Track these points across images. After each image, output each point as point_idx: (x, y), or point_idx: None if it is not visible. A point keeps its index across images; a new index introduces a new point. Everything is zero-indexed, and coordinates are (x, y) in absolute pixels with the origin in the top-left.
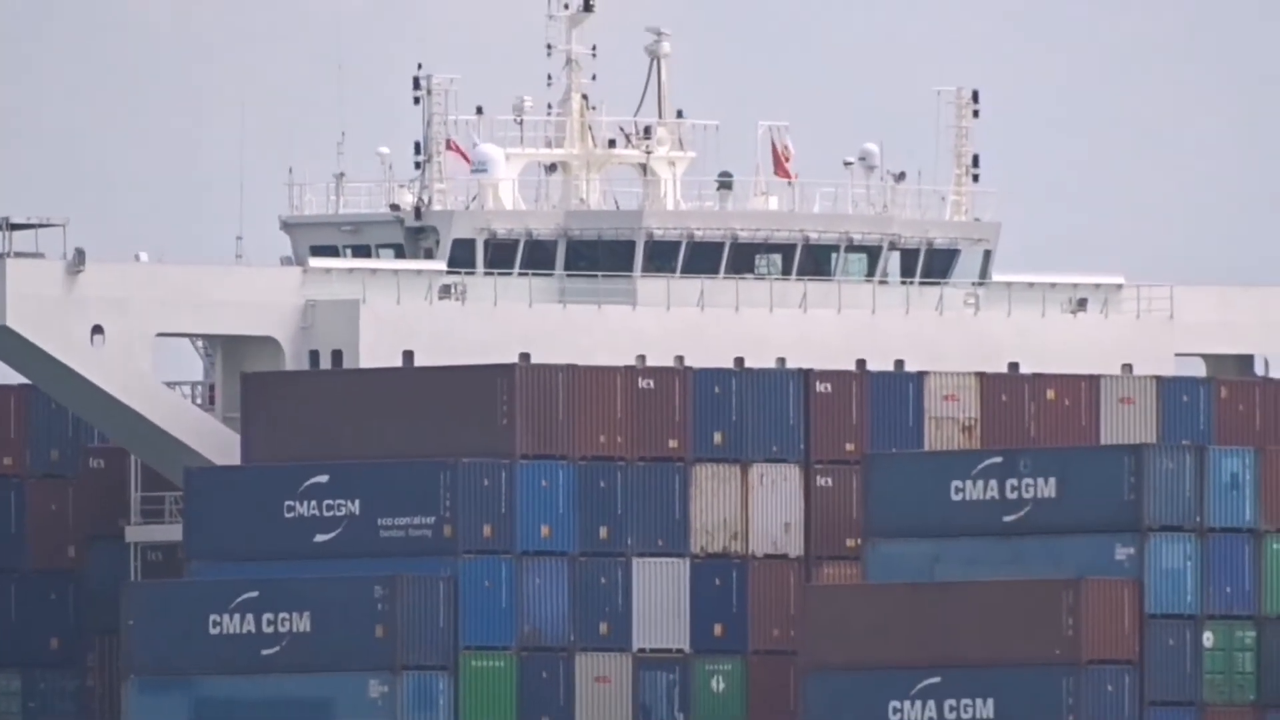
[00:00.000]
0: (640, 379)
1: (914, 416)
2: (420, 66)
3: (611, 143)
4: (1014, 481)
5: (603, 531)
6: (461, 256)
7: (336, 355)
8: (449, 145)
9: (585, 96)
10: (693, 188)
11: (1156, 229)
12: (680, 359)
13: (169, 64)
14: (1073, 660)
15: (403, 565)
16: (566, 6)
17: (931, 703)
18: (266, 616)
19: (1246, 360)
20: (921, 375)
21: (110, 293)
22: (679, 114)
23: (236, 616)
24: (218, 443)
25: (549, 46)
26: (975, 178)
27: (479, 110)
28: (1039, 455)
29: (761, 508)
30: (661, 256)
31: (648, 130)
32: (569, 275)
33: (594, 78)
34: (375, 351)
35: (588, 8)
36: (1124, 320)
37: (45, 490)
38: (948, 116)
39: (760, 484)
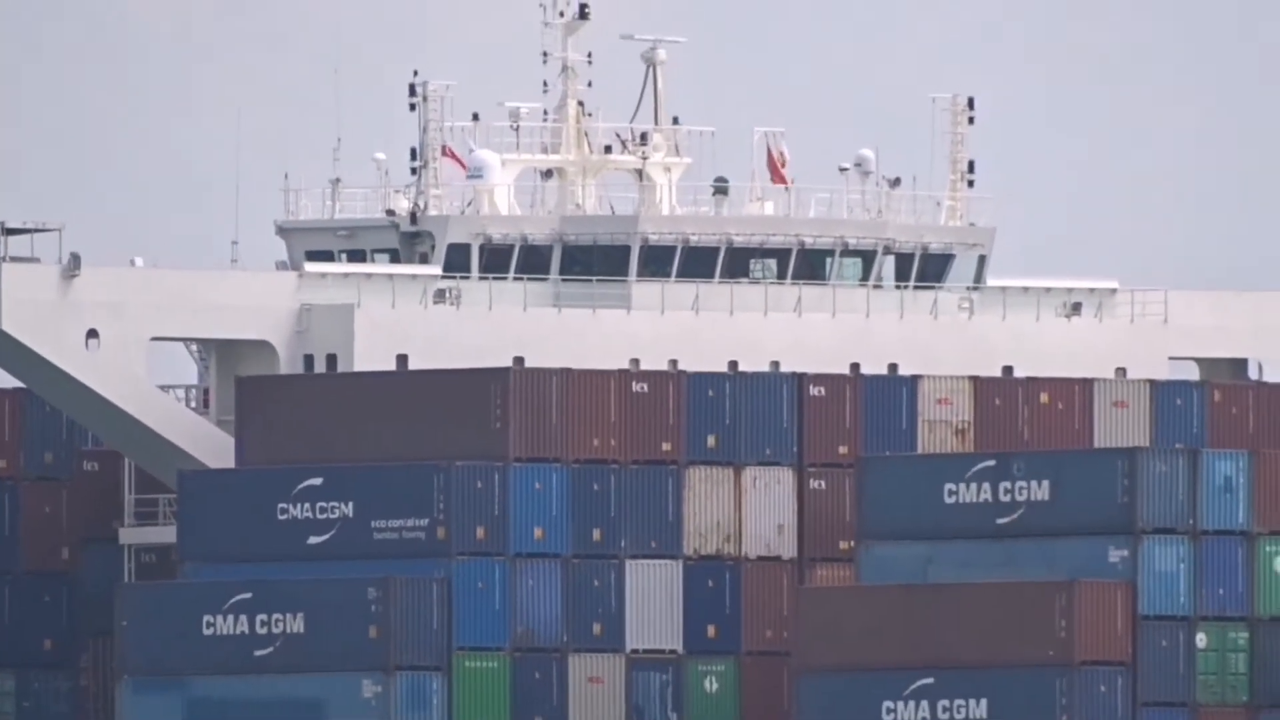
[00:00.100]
0: (634, 382)
1: (907, 420)
2: (416, 73)
3: (607, 148)
4: (1007, 484)
5: (596, 534)
6: (456, 261)
7: (331, 359)
8: (445, 151)
9: (581, 103)
10: (688, 193)
11: (1151, 234)
12: (674, 363)
13: (165, 68)
14: (1066, 661)
15: (396, 567)
16: (562, 14)
17: (925, 703)
18: (260, 617)
19: (1240, 364)
20: (915, 379)
21: (105, 297)
22: (675, 120)
23: (230, 617)
24: (212, 446)
25: (545, 53)
26: (970, 183)
27: (475, 116)
28: (1032, 458)
29: (754, 510)
30: (656, 261)
31: (644, 136)
32: (564, 280)
33: (590, 84)
34: (370, 355)
35: (583, 15)
36: (1118, 324)
37: (39, 492)
38: (943, 122)
39: (753, 487)
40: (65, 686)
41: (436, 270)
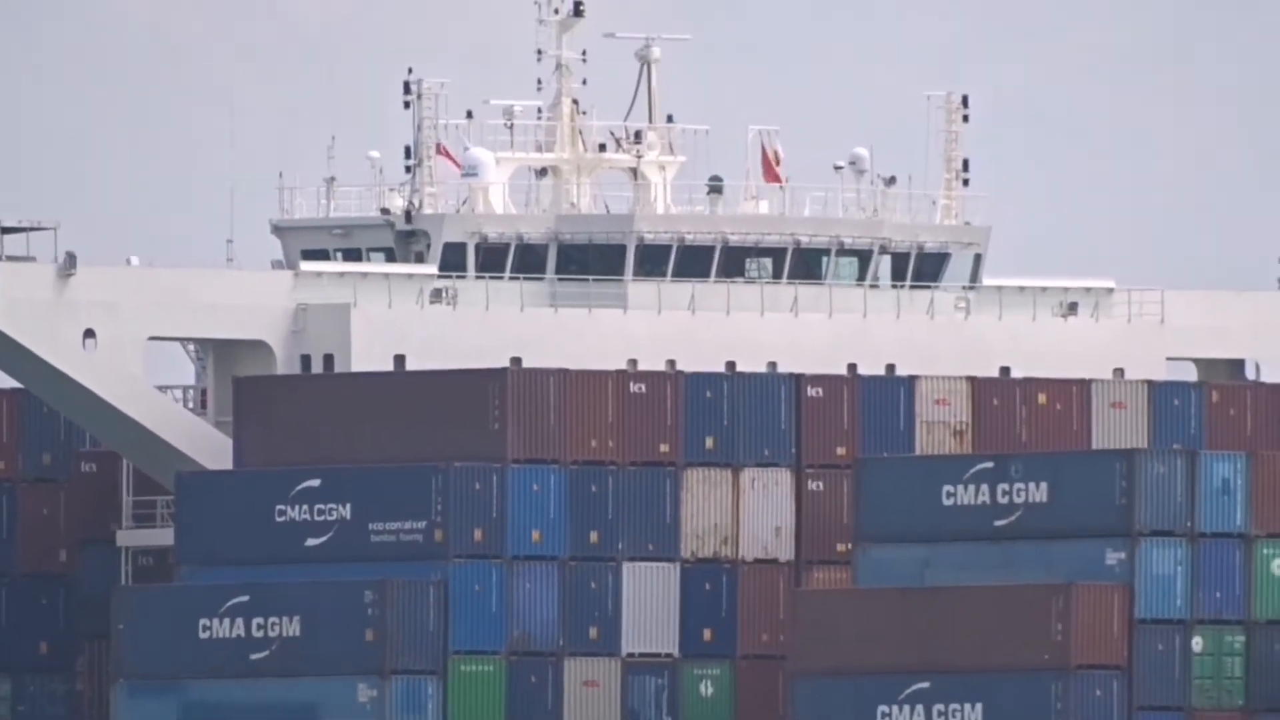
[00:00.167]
0: (631, 383)
1: (905, 421)
2: (411, 71)
3: (602, 147)
4: (1005, 486)
5: (593, 536)
6: (452, 260)
7: (328, 359)
8: (439, 149)
9: (576, 101)
10: (683, 192)
11: (1147, 233)
12: (671, 363)
13: (160, 67)
14: (1062, 665)
15: (393, 570)
16: (557, 11)
17: (920, 707)
18: (256, 621)
19: (1237, 365)
20: (912, 379)
21: (101, 296)
22: (669, 118)
23: (226, 621)
24: (209, 447)
25: (539, 51)
26: (966, 182)
27: (469, 114)
28: (1030, 460)
29: (752, 512)
30: (652, 260)
31: (638, 135)
32: (560, 279)
33: (584, 82)
34: (366, 355)
35: (578, 12)
36: (1115, 324)
37: (36, 494)
38: (938, 121)
39: (751, 488)
40: (61, 690)
41: (432, 269)
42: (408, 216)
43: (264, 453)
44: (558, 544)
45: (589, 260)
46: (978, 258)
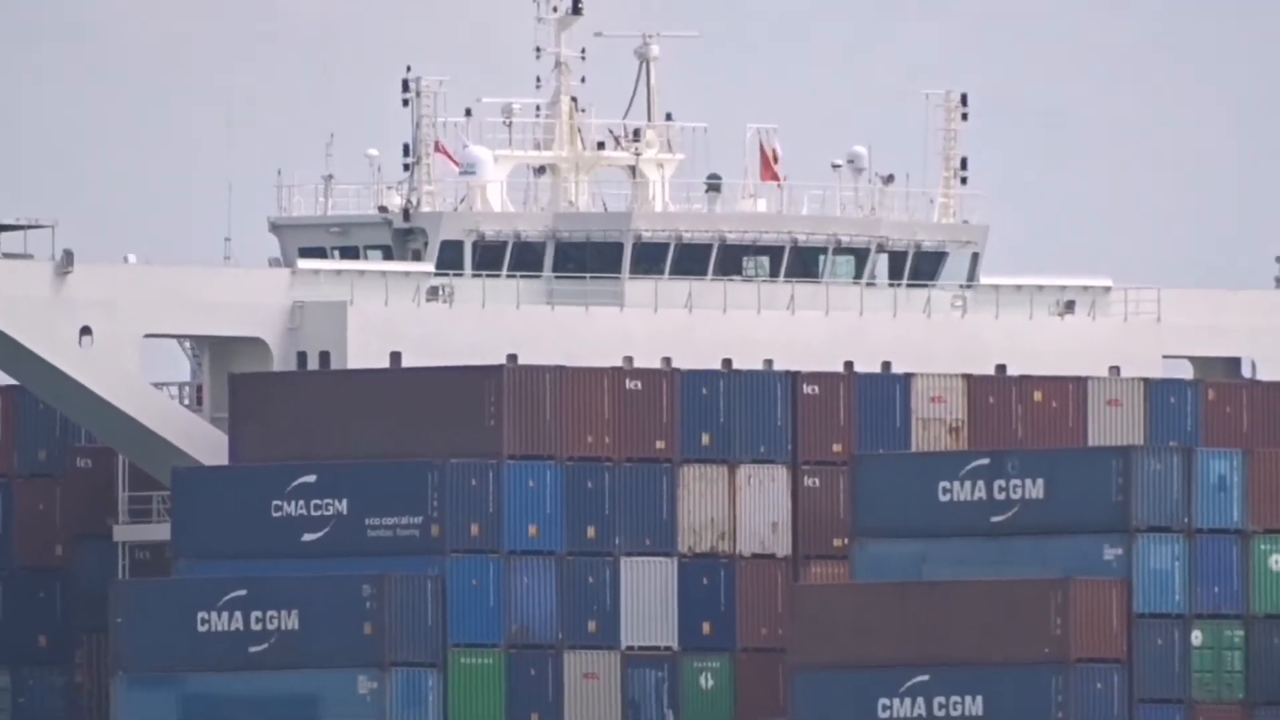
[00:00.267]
0: (628, 380)
1: (901, 418)
2: (409, 68)
3: (600, 145)
4: (1002, 483)
5: (590, 531)
6: (450, 258)
7: (324, 356)
8: (437, 147)
9: (574, 99)
10: (681, 190)
11: (1144, 232)
12: (668, 360)
13: (157, 65)
14: (1061, 659)
15: (390, 565)
16: (555, 9)
17: (921, 700)
18: (255, 614)
19: (1234, 363)
20: (909, 377)
21: (98, 294)
22: (668, 116)
23: (224, 614)
24: (206, 443)
25: (538, 49)
26: (963, 180)
27: (468, 112)
28: (1027, 456)
29: (749, 508)
30: (649, 258)
31: (636, 133)
32: (557, 277)
33: (583, 80)
34: (363, 353)
35: (577, 10)
36: (1111, 323)
37: (33, 490)
38: (936, 119)
39: (747, 484)
40: (60, 683)
41: (430, 267)
42: (405, 214)
43: (260, 449)
44: (554, 539)
45: (586, 258)
46: (975, 256)
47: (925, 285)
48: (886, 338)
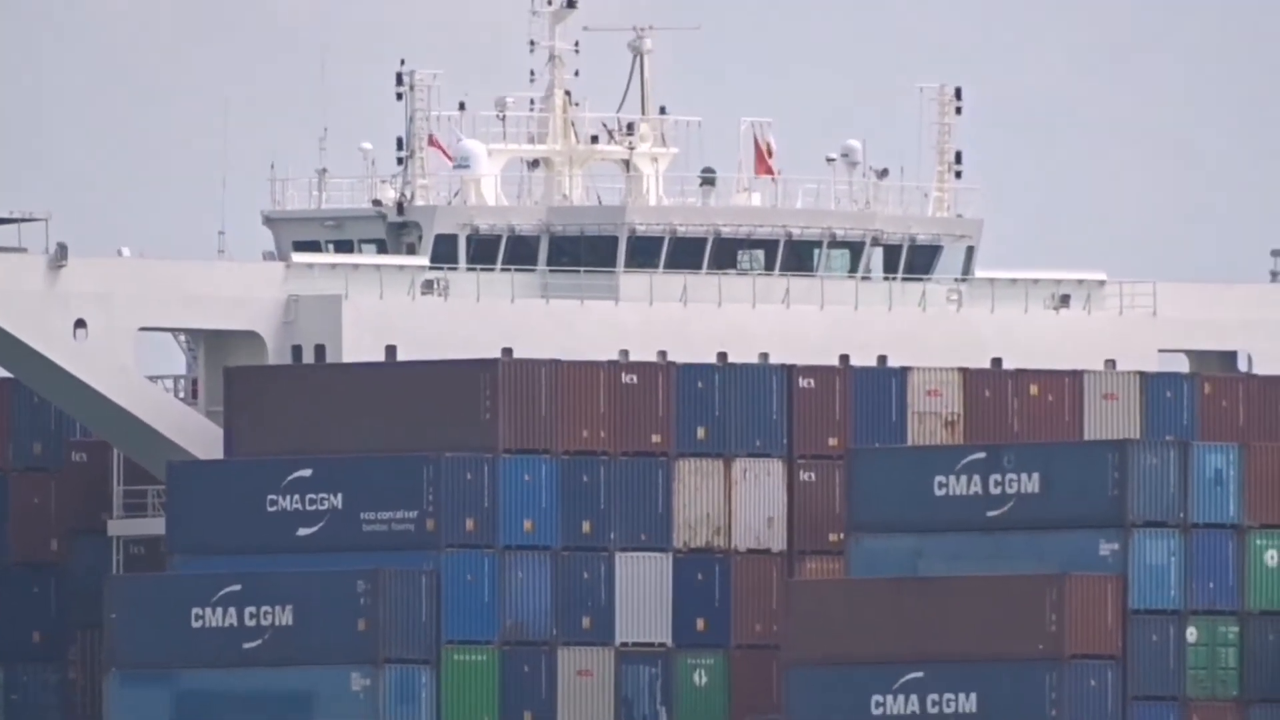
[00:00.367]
0: (623, 374)
1: (897, 412)
2: (403, 62)
3: (594, 139)
4: (997, 477)
5: (585, 526)
6: (444, 252)
7: (319, 350)
8: (431, 141)
9: (568, 92)
10: (675, 183)
11: (1139, 225)
12: (663, 354)
13: (151, 59)
14: (1056, 655)
15: (385, 559)
16: (550, 3)
17: (915, 697)
18: (249, 610)
19: (1229, 356)
20: (904, 371)
21: (93, 287)
22: (662, 110)
23: (219, 610)
24: (200, 437)
25: (532, 42)
26: (958, 174)
27: (461, 106)
28: (1022, 451)
29: (744, 502)
30: (644, 252)
31: (630, 126)
32: (551, 271)
33: (577, 74)
34: (358, 346)
35: (571, 4)
36: (1107, 316)
37: (27, 484)
38: (931, 113)
39: (743, 479)
40: (53, 679)
41: (424, 261)
42: (399, 208)
43: (255, 443)
44: (550, 534)
45: (580, 252)
46: (970, 250)
47: (920, 279)
48: (882, 331)
